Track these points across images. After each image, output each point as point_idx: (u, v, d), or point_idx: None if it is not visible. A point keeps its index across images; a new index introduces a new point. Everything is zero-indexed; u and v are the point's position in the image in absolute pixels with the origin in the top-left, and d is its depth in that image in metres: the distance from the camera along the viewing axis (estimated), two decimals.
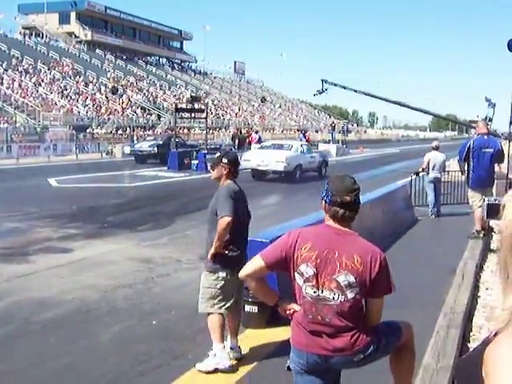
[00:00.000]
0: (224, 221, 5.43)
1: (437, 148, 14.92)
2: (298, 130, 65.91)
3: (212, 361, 5.53)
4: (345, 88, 29.42)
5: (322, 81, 29.38)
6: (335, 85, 29.29)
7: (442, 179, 15.27)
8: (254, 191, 18.01)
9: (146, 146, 34.19)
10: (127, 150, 36.34)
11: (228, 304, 5.62)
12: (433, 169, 14.51)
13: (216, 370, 5.48)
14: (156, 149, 32.91)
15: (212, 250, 5.57)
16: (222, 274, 5.58)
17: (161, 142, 33.76)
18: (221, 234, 5.48)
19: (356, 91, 30.47)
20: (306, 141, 35.52)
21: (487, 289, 8.21)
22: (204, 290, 5.69)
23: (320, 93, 30.42)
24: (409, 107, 38.57)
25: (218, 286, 5.60)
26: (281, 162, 23.98)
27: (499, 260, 1.58)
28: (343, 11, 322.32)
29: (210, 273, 5.68)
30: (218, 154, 5.93)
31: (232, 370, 5.53)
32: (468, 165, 11.40)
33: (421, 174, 15.33)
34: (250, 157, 25.17)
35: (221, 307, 5.61)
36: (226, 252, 5.58)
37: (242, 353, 5.84)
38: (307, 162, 25.80)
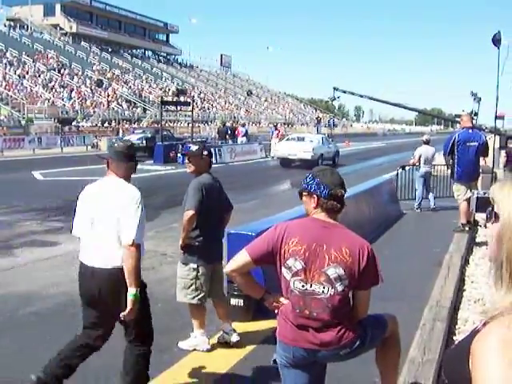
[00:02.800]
0: (187, 214, 5.64)
1: (427, 142, 14.91)
2: (284, 124, 66.13)
3: (192, 342, 5.86)
4: (353, 94, 30.92)
5: (334, 88, 30.99)
6: (345, 92, 30.76)
7: None
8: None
9: (134, 138, 34.03)
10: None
11: (201, 295, 5.81)
12: (424, 163, 14.50)
13: (204, 365, 5.50)
14: (144, 142, 32.81)
15: (180, 242, 5.82)
16: (193, 266, 5.76)
17: (149, 135, 33.64)
18: (184, 227, 5.71)
19: (362, 96, 32.01)
20: (278, 134, 35.63)
21: (472, 282, 8.26)
22: (179, 280, 5.90)
23: (332, 100, 32.31)
24: (407, 108, 39.39)
25: (190, 277, 5.78)
26: (308, 151, 27.71)
27: (497, 252, 1.56)
28: (329, 5, 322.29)
29: (182, 264, 5.88)
30: (195, 147, 5.88)
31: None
32: (453, 158, 11.42)
33: (407, 168, 15.36)
34: (280, 147, 29.58)
35: (194, 297, 5.80)
36: (197, 244, 5.74)
37: (237, 336, 5.99)
38: (327, 152, 29.67)
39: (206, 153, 5.83)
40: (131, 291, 4.25)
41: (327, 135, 53.23)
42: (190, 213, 5.59)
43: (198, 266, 5.74)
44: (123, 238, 4.25)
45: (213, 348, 5.90)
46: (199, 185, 5.68)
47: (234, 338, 5.95)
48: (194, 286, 5.78)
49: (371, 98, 33.05)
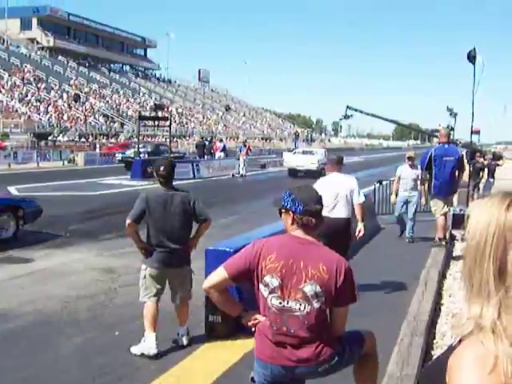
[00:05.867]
0: (126, 223, 6.14)
1: None
2: (262, 139, 66.19)
3: (141, 346, 6.10)
4: (361, 112, 32.60)
5: (347, 107, 32.32)
6: (356, 110, 32.27)
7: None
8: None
9: None
10: (119, 156, 38.77)
11: (149, 295, 6.22)
12: None
13: (182, 381, 5.45)
14: (146, 156, 34.34)
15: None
16: (143, 267, 6.32)
17: (150, 150, 35.36)
18: (127, 233, 6.33)
19: (368, 114, 34.23)
20: (247, 151, 35.55)
21: (450, 296, 8.30)
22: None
23: (346, 117, 33.41)
24: (402, 125, 40.66)
25: (141, 277, 6.33)
26: (314, 163, 32.08)
27: (464, 269, 1.58)
28: (306, 18, 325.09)
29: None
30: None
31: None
32: (430, 173, 11.49)
33: (384, 183, 15.35)
34: (289, 159, 34.80)
35: (143, 296, 6.27)
36: (148, 249, 6.26)
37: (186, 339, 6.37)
38: None
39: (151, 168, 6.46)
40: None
41: None
42: (127, 221, 6.12)
43: (146, 268, 6.26)
44: (360, 198, 7.99)
45: (192, 364, 5.86)
46: (143, 196, 6.26)
47: (184, 340, 6.33)
48: (144, 286, 6.28)
49: (374, 116, 34.63)
